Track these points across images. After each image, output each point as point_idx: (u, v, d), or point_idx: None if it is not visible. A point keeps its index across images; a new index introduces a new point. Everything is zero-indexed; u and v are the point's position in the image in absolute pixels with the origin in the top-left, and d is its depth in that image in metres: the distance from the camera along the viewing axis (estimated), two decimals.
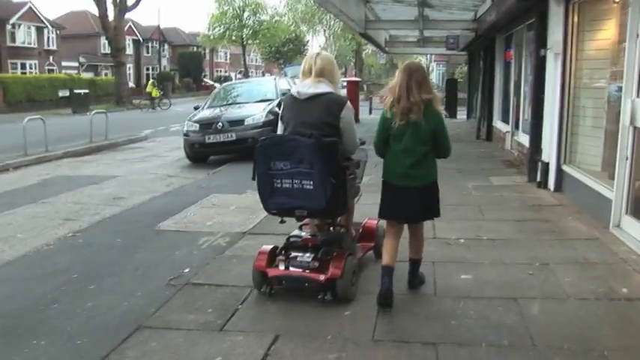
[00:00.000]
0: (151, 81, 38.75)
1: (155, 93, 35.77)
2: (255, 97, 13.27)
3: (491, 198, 7.63)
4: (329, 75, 4.24)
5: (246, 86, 14.84)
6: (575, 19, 7.35)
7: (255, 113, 12.16)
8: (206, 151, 12.31)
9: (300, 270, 4.23)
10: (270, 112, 12.28)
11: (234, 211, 7.33)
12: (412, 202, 4.09)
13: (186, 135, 12.35)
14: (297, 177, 4.03)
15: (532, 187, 8.22)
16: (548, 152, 7.95)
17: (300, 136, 4.01)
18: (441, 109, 4.34)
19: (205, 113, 12.89)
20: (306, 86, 4.19)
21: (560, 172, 7.68)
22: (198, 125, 12.22)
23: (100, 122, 16.51)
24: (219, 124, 11.95)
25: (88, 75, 48.16)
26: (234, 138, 11.81)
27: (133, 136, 18.33)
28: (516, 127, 11.45)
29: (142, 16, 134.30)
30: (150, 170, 11.72)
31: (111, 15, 36.14)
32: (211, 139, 11.87)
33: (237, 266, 5.10)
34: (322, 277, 4.09)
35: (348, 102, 4.32)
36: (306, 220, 4.66)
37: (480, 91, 15.64)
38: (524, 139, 9.96)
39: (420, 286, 4.46)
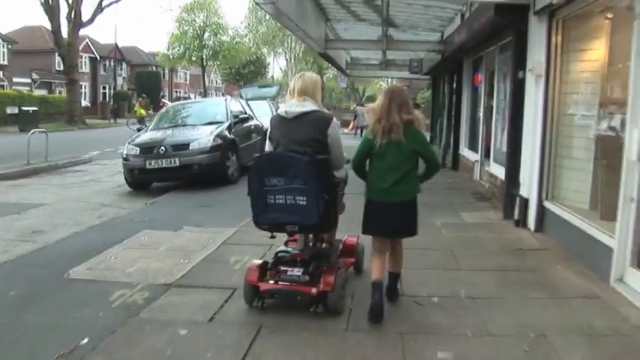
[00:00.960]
0: (138, 100, 36.67)
1: (141, 113, 33.94)
2: (204, 119, 12.08)
3: (466, 240, 6.63)
4: (311, 94, 4.36)
5: (195, 107, 13.49)
6: (559, 37, 6.50)
7: (201, 137, 10.98)
8: (147, 178, 11.07)
9: (292, 284, 4.29)
10: (219, 135, 11.16)
11: (163, 254, 6.15)
12: (394, 217, 4.27)
13: (125, 160, 11.08)
14: (290, 193, 4.12)
15: (509, 225, 7.28)
16: (528, 186, 7.03)
17: (294, 153, 4.12)
18: (424, 130, 4.51)
19: (148, 136, 11.67)
20: (292, 105, 4.32)
21: (541, 209, 6.77)
22: (138, 149, 10.97)
23: (43, 142, 15.21)
24: (162, 148, 10.72)
25: (41, 92, 46.19)
26: (177, 164, 10.60)
27: (76, 157, 16.97)
28: (486, 156, 10.60)
29: (100, 34, 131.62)
30: (84, 197, 10.46)
31: (65, 31, 34.52)
32: (152, 164, 10.64)
33: (150, 336, 3.96)
34: (314, 290, 4.18)
35: (334, 119, 4.48)
36: (295, 236, 4.64)
37: (446, 116, 14.83)
38: (498, 170, 9.08)
39: (397, 298, 4.49)
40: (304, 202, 4.08)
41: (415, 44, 14.50)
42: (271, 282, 4.33)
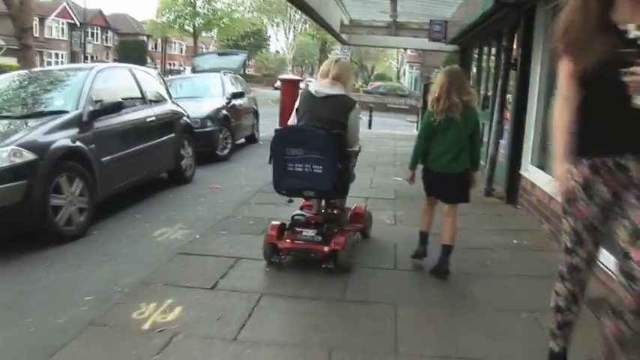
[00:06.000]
0: None
1: None
2: (34, 108, 6.26)
3: None
4: (344, 80, 4.78)
5: (37, 82, 7.06)
6: None
7: None
8: None
9: (306, 242, 4.73)
10: (31, 144, 5.24)
11: None
12: (448, 186, 4.69)
13: None
14: (308, 162, 4.51)
15: None
16: None
17: (313, 127, 4.55)
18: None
19: None
20: (323, 86, 4.72)
21: None
22: None
23: None
24: None
25: (9, 60, 41.14)
26: None
27: None
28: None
29: None
30: None
31: None
32: None
33: None
34: (326, 249, 4.63)
35: (357, 104, 4.86)
36: (308, 203, 5.16)
37: (497, 107, 8.57)
38: None
39: (446, 275, 4.64)
40: (320, 171, 4.46)
41: None
42: (288, 241, 4.76)
